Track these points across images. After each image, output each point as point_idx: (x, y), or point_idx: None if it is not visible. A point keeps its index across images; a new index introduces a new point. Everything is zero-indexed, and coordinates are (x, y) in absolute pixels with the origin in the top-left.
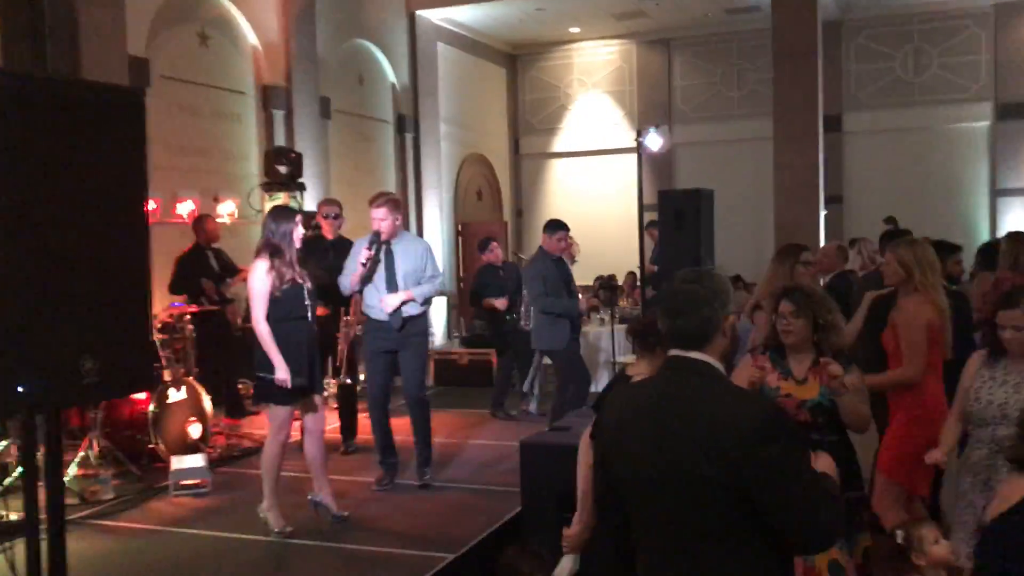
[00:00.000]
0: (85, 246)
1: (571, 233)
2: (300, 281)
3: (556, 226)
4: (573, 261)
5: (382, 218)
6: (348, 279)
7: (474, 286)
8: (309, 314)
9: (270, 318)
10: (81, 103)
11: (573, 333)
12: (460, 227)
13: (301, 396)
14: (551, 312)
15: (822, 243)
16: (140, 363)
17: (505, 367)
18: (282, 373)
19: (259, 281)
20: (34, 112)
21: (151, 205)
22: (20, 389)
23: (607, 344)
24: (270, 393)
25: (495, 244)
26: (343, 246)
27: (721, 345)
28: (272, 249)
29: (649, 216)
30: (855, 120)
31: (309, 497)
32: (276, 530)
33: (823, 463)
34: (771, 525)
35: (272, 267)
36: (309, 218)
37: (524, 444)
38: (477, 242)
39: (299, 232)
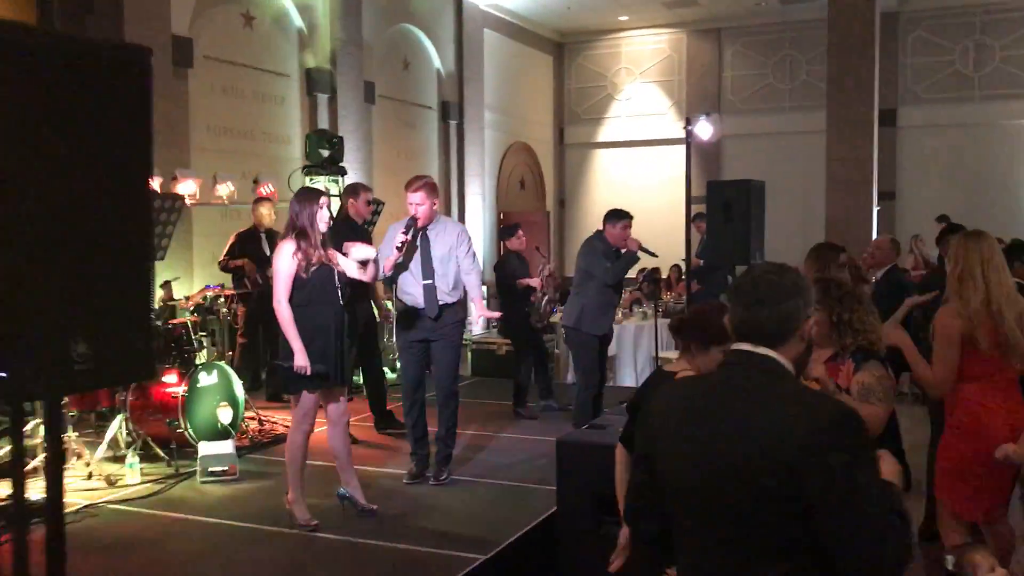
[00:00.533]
0: (80, 217)
1: None
2: (330, 264)
3: (619, 215)
4: None
5: (419, 203)
6: (381, 264)
7: (501, 275)
8: (340, 300)
9: (295, 302)
10: (79, 60)
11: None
12: (502, 216)
13: (326, 383)
14: (615, 283)
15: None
16: (140, 349)
17: (527, 361)
18: (301, 359)
19: (284, 262)
20: (24, 68)
21: (191, 187)
22: (2, 375)
23: (649, 339)
24: (293, 381)
25: (521, 232)
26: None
27: (796, 349)
28: (298, 231)
29: (696, 208)
30: (910, 115)
31: (337, 491)
32: (301, 524)
33: (886, 467)
34: (826, 549)
35: (299, 248)
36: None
37: (561, 442)
38: (501, 228)
39: (324, 214)
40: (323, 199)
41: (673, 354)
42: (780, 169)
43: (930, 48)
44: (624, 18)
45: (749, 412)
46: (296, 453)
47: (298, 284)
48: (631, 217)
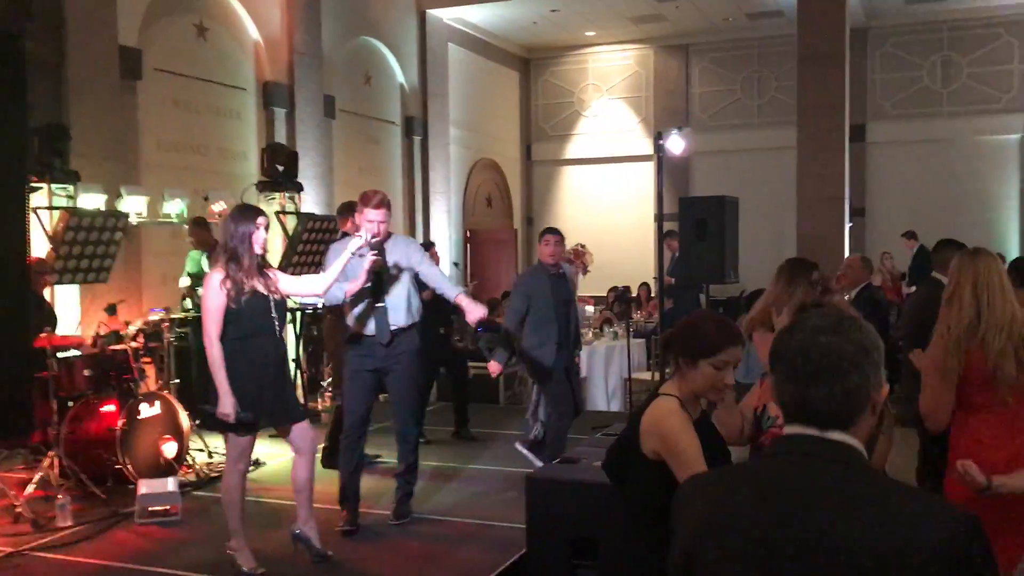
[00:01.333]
0: None
1: (584, 243)
2: (264, 292)
3: (543, 231)
4: (586, 271)
5: (381, 220)
6: (343, 288)
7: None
8: (277, 330)
9: (231, 335)
10: None
11: (559, 356)
12: (468, 234)
13: (253, 430)
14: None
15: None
16: (15, 399)
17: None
18: (226, 406)
19: (211, 296)
20: None
21: (138, 204)
22: None
23: (621, 359)
24: (219, 424)
25: (435, 250)
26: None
27: (868, 425)
28: (229, 253)
29: (667, 226)
30: (879, 130)
31: (292, 531)
32: (246, 571)
33: None
34: None
35: (227, 276)
36: (329, 220)
37: (530, 479)
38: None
39: (261, 235)
40: (261, 219)
41: (645, 375)
42: (750, 186)
43: (898, 64)
44: (591, 34)
45: (831, 518)
46: (234, 495)
47: (231, 317)
48: (552, 231)
